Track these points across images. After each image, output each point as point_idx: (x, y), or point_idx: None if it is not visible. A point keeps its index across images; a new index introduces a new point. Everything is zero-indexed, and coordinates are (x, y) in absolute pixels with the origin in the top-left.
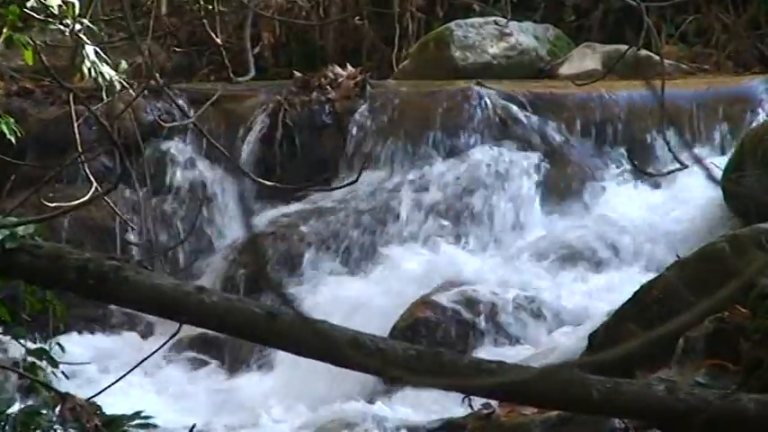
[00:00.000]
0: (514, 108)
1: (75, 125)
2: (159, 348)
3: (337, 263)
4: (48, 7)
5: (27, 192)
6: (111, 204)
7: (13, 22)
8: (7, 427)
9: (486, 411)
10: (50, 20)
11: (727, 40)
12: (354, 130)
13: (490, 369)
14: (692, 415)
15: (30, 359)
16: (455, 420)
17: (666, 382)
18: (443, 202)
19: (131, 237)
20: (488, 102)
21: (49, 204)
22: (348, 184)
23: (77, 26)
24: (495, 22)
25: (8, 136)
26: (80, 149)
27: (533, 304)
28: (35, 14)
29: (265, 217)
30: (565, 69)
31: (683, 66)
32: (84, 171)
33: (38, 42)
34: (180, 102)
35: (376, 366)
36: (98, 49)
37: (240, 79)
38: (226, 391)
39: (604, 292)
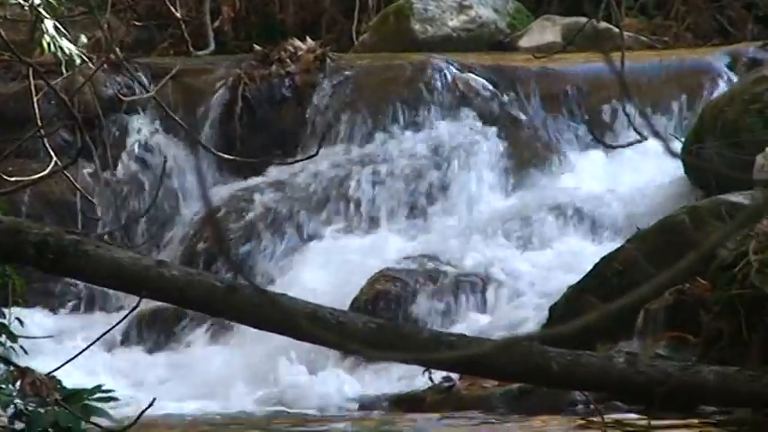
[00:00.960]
0: (477, 78)
1: (35, 100)
2: (119, 323)
3: (295, 236)
4: None
5: None
6: (71, 179)
7: None
8: None
9: (446, 384)
10: None
11: (686, 12)
12: (315, 103)
13: (450, 342)
14: (653, 387)
15: None
16: (415, 393)
17: (627, 355)
18: (402, 176)
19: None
20: (449, 73)
21: (9, 179)
22: (308, 158)
23: (36, 0)
24: None
25: None
26: (39, 124)
27: (493, 275)
28: None
29: (225, 190)
30: (524, 42)
31: (643, 38)
32: (45, 145)
33: None
34: (140, 76)
35: (335, 340)
36: (57, 24)
37: (200, 53)
38: (186, 366)
39: (565, 264)
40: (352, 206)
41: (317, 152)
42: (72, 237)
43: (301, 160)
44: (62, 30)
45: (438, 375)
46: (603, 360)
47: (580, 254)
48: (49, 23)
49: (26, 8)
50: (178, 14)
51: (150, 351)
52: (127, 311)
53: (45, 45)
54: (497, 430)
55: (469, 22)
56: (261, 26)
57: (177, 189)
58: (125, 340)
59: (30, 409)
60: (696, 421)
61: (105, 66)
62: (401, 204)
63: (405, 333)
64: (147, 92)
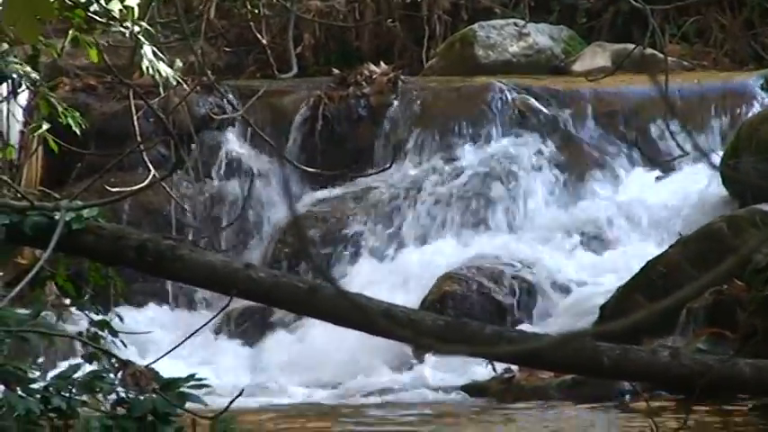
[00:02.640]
0: (534, 100)
1: (135, 118)
2: (211, 320)
3: (370, 241)
4: (109, 11)
5: (91, 178)
6: (167, 189)
7: (79, 25)
8: (74, 390)
9: (507, 375)
10: (112, 22)
11: (724, 39)
12: (387, 124)
13: (511, 337)
14: (694, 378)
15: (93, 329)
16: (480, 383)
17: (671, 349)
18: (467, 188)
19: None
20: (509, 94)
21: (111, 190)
22: (382, 171)
23: (136, 28)
24: (515, 24)
25: (74, 128)
26: (139, 140)
27: (550, 278)
28: (98, 18)
29: (307, 199)
30: (578, 66)
31: (685, 63)
32: (143, 159)
33: (101, 43)
34: (229, 96)
35: (407, 336)
36: (155, 49)
37: (284, 76)
38: (272, 358)
39: (616, 267)
40: (421, 215)
41: (390, 165)
42: (169, 242)
43: (376, 173)
44: (159, 55)
45: (500, 367)
46: (649, 354)
47: (630, 258)
48: (147, 49)
49: (127, 35)
50: (264, 41)
51: (240, 344)
52: (217, 310)
53: (144, 68)
54: (554, 416)
55: (528, 49)
56: (339, 52)
57: (262, 198)
58: (217, 334)
59: (130, 396)
60: (730, 408)
61: (198, 87)
62: (466, 214)
63: (470, 329)
64: (236, 111)
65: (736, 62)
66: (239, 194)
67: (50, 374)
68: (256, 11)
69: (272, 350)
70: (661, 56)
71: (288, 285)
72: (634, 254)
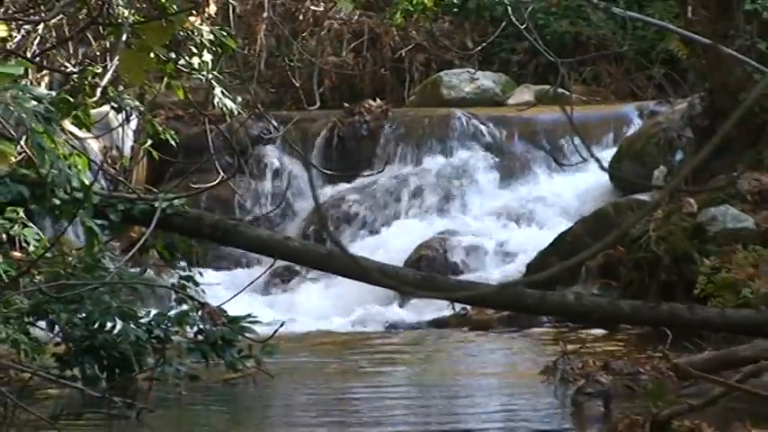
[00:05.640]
0: (481, 124)
1: (209, 137)
2: (261, 275)
3: (369, 220)
4: (191, 64)
5: (179, 179)
6: (232, 186)
7: (170, 73)
8: (168, 324)
9: (463, 312)
10: (193, 72)
11: (610, 82)
12: (382, 140)
13: (466, 286)
14: (592, 313)
15: (181, 282)
16: (442, 318)
17: (575, 294)
18: (435, 184)
19: (245, 206)
20: (465, 120)
21: (193, 186)
22: (377, 173)
23: (210, 76)
24: (468, 72)
25: (171, 141)
26: (212, 152)
27: (492, 246)
28: (184, 69)
29: (327, 192)
30: (511, 101)
31: (584, 98)
32: (215, 166)
33: (186, 85)
34: (273, 122)
35: (394, 285)
36: (223, 90)
37: (310, 108)
38: (304, 302)
39: (536, 237)
40: (403, 203)
41: (383, 170)
42: (233, 221)
43: (373, 174)
44: (226, 93)
45: (458, 307)
46: (560, 296)
47: (547, 232)
48: (217, 90)
49: (203, 81)
50: (297, 84)
51: (281, 291)
52: (266, 268)
53: (215, 103)
54: (494, 339)
55: (477, 89)
56: (348, 91)
57: (295, 191)
58: (266, 285)
59: (206, 328)
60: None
61: (252, 116)
62: (434, 202)
63: (438, 280)
64: (278, 132)
65: (619, 98)
66: (279, 189)
67: (152, 313)
68: (291, 64)
69: (303, 295)
70: (568, 93)
71: (313, 251)
72: (549, 229)
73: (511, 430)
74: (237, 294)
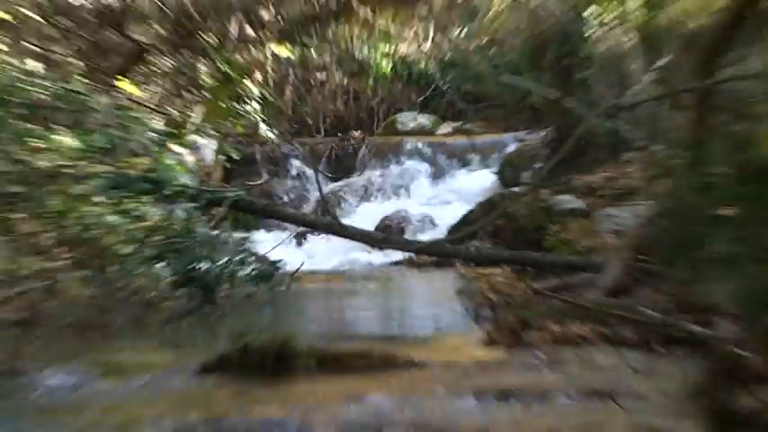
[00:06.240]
0: (421, 145)
1: (257, 155)
2: (290, 236)
3: (354, 203)
4: (246, 110)
5: (241, 179)
6: (271, 184)
7: (233, 115)
8: (234, 265)
9: (410, 257)
10: (247, 114)
11: (498, 120)
12: (361, 155)
13: (412, 242)
14: (486, 258)
15: (243, 239)
16: (398, 261)
17: (476, 247)
18: (393, 181)
19: (280, 196)
20: (411, 144)
21: (248, 183)
22: (358, 176)
23: (257, 117)
24: (413, 114)
25: (234, 156)
26: (259, 163)
27: (428, 218)
28: (241, 113)
29: (329, 187)
30: (439, 131)
31: (482, 130)
32: (260, 171)
33: (242, 123)
34: (296, 144)
35: (369, 241)
36: (264, 125)
37: (318, 136)
38: (316, 250)
39: (453, 213)
40: (373, 193)
41: (362, 173)
42: (273, 204)
43: (355, 176)
44: (266, 127)
45: (408, 255)
46: (465, 248)
47: (459, 210)
48: (262, 125)
49: (252, 118)
50: (310, 122)
51: (301, 245)
52: (293, 232)
53: (261, 132)
54: (428, 273)
55: (418, 125)
56: (340, 127)
57: (308, 186)
58: (294, 240)
59: (257, 267)
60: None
61: (283, 141)
62: (391, 192)
63: (396, 238)
64: (299, 151)
65: (502, 130)
66: (299, 185)
67: (226, 258)
68: (306, 110)
69: (316, 246)
70: (471, 127)
71: (322, 221)
72: (460, 208)
73: (437, 328)
74: (276, 247)
